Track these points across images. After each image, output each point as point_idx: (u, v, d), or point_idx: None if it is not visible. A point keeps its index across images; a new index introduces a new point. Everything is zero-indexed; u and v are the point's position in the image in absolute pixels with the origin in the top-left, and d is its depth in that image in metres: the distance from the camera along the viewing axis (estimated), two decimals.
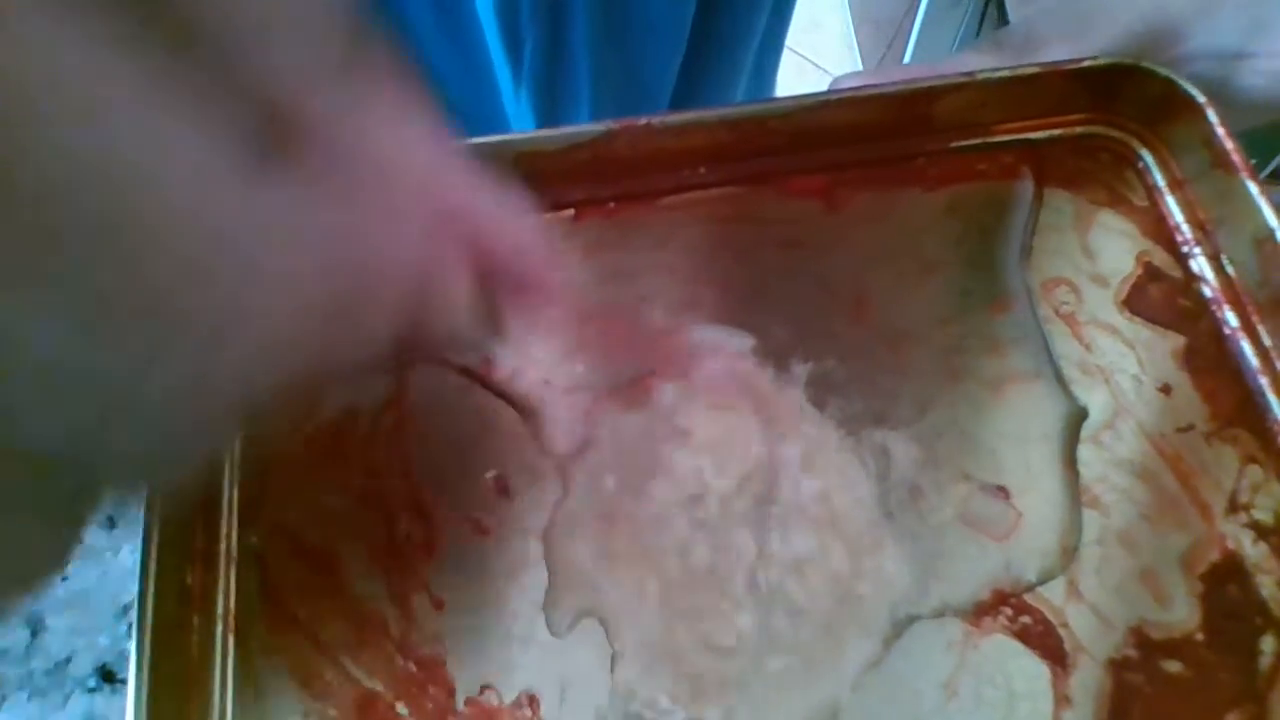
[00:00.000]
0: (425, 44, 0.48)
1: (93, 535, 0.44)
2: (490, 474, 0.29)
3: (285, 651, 0.27)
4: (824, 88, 0.35)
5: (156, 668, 0.24)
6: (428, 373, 0.31)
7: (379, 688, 0.26)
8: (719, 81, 0.58)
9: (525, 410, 0.30)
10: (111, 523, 0.44)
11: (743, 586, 0.28)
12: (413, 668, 0.27)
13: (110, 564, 0.44)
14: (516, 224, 0.19)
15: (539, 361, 0.31)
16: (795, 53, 1.70)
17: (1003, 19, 1.03)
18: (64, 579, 0.43)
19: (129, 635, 0.24)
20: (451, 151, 0.18)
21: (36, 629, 0.42)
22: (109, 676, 0.41)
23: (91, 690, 0.41)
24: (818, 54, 1.73)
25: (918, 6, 1.39)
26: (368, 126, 0.15)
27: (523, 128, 0.52)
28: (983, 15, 1.19)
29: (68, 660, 0.41)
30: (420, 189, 0.16)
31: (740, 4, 0.54)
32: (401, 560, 0.28)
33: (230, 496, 0.29)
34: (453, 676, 0.27)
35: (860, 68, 1.65)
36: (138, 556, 0.25)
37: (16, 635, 0.42)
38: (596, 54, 0.49)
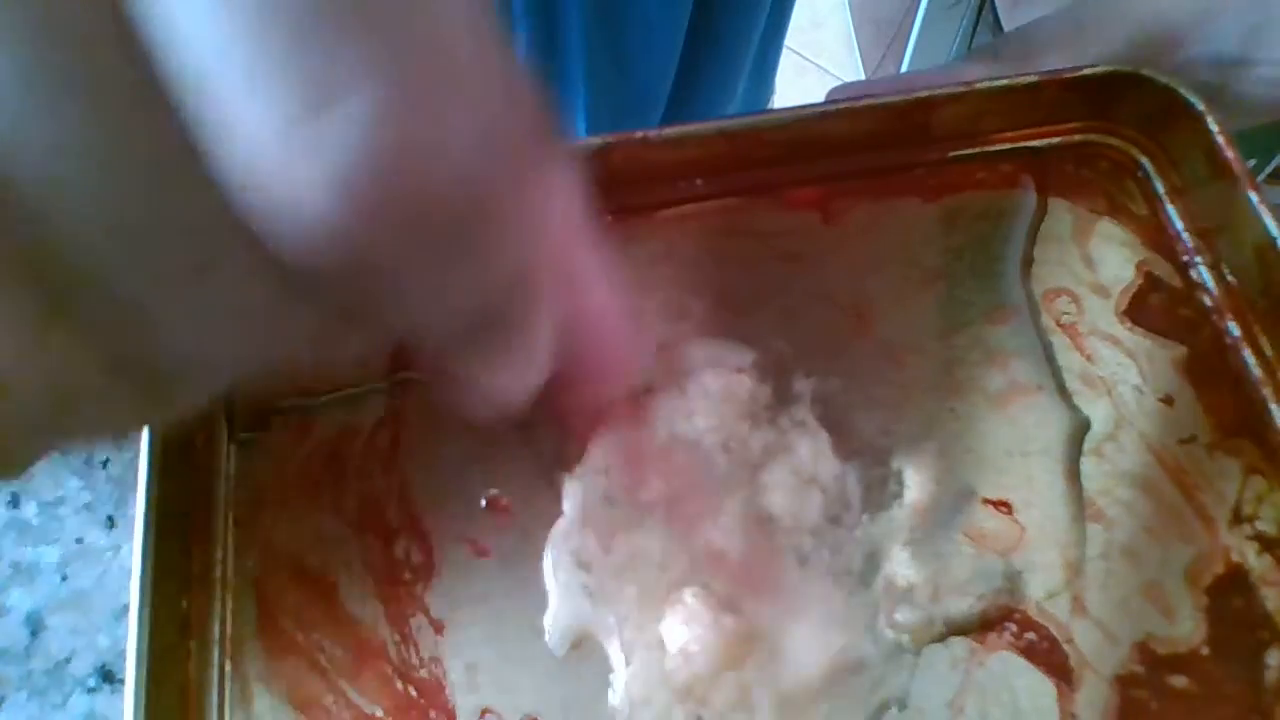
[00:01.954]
0: None
1: (93, 535, 0.44)
2: (489, 493, 0.29)
3: (284, 677, 0.27)
4: (824, 87, 0.35)
5: (153, 694, 0.24)
6: (424, 389, 0.31)
7: (379, 713, 0.26)
8: (717, 81, 0.58)
9: (523, 427, 0.30)
10: (111, 522, 0.44)
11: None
12: (413, 692, 0.26)
13: (110, 564, 0.44)
14: (612, 293, 0.18)
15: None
16: (795, 52, 1.70)
17: (998, 22, 1.03)
18: (64, 579, 0.43)
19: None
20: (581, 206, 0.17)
21: (36, 629, 0.42)
22: (109, 676, 0.41)
23: (91, 690, 0.41)
24: (818, 54, 1.73)
25: (918, 6, 1.38)
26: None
27: None
28: (978, 17, 1.19)
29: (68, 660, 0.41)
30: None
31: (738, 3, 0.53)
32: (400, 583, 0.28)
33: (225, 518, 0.29)
34: (453, 701, 0.26)
35: (861, 67, 1.65)
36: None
37: (16, 635, 0.42)
38: (591, 53, 0.49)
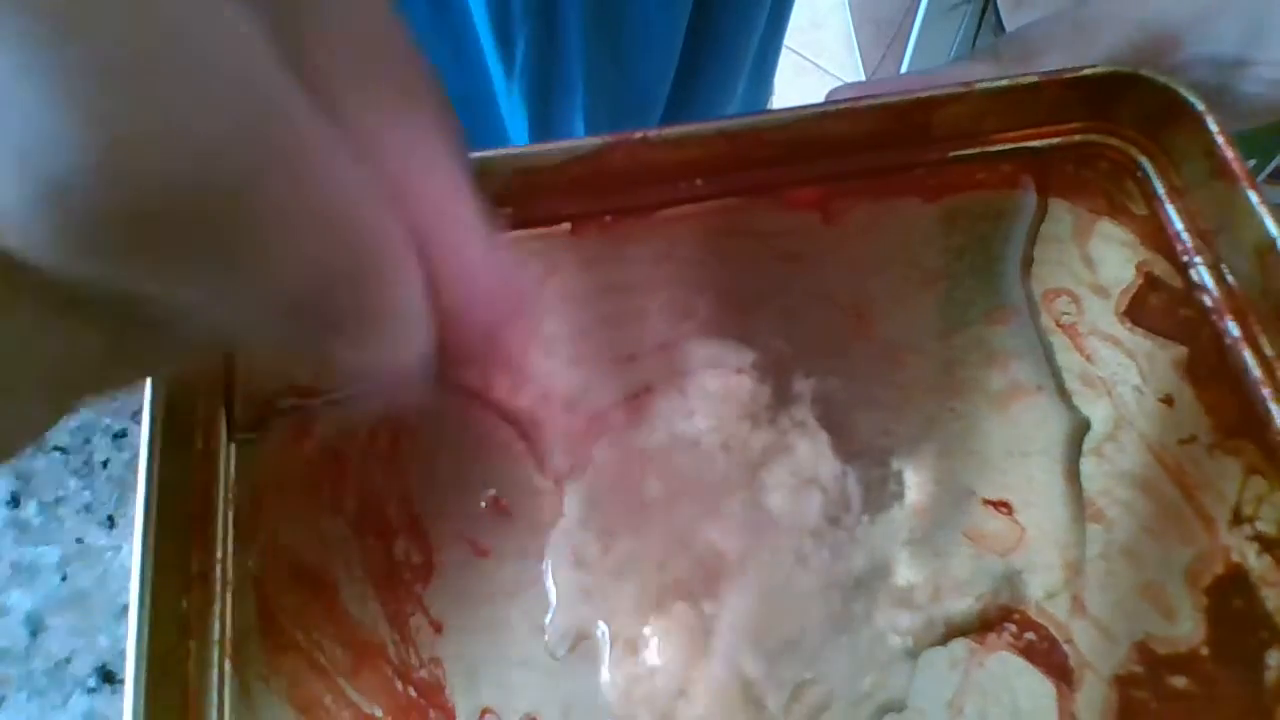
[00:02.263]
0: (417, 36, 0.48)
1: (93, 535, 0.44)
2: (488, 494, 0.29)
3: (284, 677, 0.27)
4: (824, 87, 0.35)
5: (153, 694, 0.24)
6: (424, 390, 0.30)
7: (379, 713, 0.26)
8: (717, 81, 0.58)
9: (523, 428, 0.30)
10: (111, 522, 0.44)
11: None
12: (412, 692, 0.26)
13: (110, 564, 0.44)
14: (481, 243, 0.17)
15: (536, 377, 0.31)
16: (795, 52, 1.70)
17: (1000, 23, 1.03)
18: (64, 579, 0.43)
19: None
20: (450, 167, 0.17)
21: (36, 629, 0.42)
22: (109, 677, 0.41)
23: (91, 690, 0.41)
24: (818, 54, 1.73)
25: (918, 6, 1.38)
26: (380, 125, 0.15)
27: (515, 124, 0.52)
28: (981, 18, 1.19)
29: (68, 660, 0.41)
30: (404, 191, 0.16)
31: (738, 3, 0.53)
32: (399, 583, 0.28)
33: (225, 518, 0.28)
34: (453, 701, 0.26)
35: (861, 67, 1.65)
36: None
37: (16, 635, 0.42)
38: (591, 53, 0.49)
